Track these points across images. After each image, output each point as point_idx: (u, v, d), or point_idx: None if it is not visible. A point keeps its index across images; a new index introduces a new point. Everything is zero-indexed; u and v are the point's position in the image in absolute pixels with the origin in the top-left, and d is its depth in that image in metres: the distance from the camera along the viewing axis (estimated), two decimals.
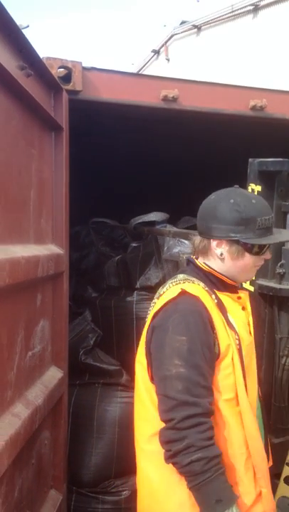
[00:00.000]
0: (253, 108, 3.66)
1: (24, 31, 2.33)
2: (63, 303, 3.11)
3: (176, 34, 19.41)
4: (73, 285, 5.27)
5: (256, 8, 15.57)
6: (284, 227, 3.02)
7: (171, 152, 4.94)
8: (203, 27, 17.89)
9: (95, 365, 4.16)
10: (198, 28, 18.03)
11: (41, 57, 3.06)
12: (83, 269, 5.30)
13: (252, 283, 3.12)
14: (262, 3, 15.32)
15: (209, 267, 2.35)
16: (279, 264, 3.01)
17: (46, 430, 2.97)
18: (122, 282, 4.44)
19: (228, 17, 16.56)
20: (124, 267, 4.38)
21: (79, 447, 4.00)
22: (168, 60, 20.18)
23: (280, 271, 3.00)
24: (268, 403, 3.08)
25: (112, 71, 3.30)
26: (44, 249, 2.72)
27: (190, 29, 18.47)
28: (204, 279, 2.33)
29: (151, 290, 4.23)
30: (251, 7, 15.54)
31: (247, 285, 3.15)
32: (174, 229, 4.22)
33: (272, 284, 3.03)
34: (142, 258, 4.28)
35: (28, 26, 2.34)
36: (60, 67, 3.10)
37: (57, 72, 3.09)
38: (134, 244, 4.44)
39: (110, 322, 4.34)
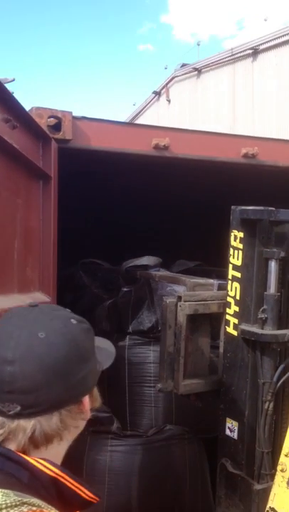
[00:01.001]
0: (245, 156, 3.69)
1: (12, 84, 2.38)
2: None
3: (177, 76, 19.75)
4: None
5: (255, 52, 15.86)
6: (266, 273, 3.02)
7: (163, 198, 4.98)
8: (203, 70, 18.21)
9: None
10: (198, 70, 18.36)
11: (31, 107, 3.13)
12: (78, 312, 5.27)
13: (235, 328, 3.10)
14: (261, 47, 15.61)
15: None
16: (261, 310, 3.00)
17: None
18: (113, 327, 4.40)
19: (228, 60, 16.87)
20: (116, 311, 4.35)
21: None
22: (169, 101, 20.50)
23: (262, 316, 2.98)
24: (252, 449, 3.05)
25: (103, 120, 3.35)
26: (28, 298, 2.69)
27: (190, 71, 18.80)
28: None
29: (144, 335, 4.20)
30: (250, 51, 15.83)
31: (230, 329, 3.13)
32: (167, 273, 4.21)
33: (254, 329, 3.00)
34: (134, 302, 4.25)
35: (13, 80, 2.38)
36: (50, 117, 3.14)
37: (47, 121, 3.13)
38: (125, 289, 4.39)
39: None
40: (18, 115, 2.49)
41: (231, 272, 3.09)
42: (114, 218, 5.96)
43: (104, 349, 1.70)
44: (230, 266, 3.10)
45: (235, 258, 3.06)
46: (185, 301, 3.17)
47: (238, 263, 3.06)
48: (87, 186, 4.51)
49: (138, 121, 20.42)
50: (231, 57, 16.72)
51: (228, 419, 3.16)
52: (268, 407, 2.96)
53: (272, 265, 2.98)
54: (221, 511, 3.25)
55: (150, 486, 3.95)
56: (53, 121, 3.16)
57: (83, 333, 1.49)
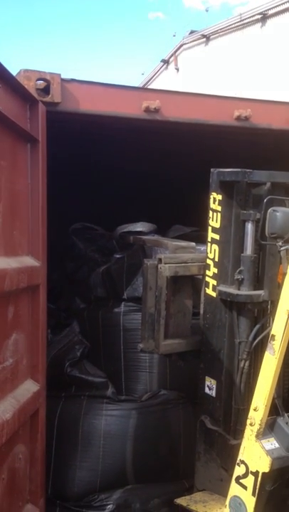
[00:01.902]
0: (238, 118, 3.63)
1: (13, 48, 2.33)
2: (40, 315, 3.09)
3: (185, 44, 19.45)
4: (67, 296, 5.26)
5: (264, 17, 15.54)
6: (243, 235, 3.06)
7: (154, 162, 4.94)
8: (212, 36, 17.91)
9: (80, 377, 4.14)
10: (206, 37, 18.06)
11: (20, 69, 3.08)
12: (78, 280, 5.28)
13: (214, 289, 3.17)
14: (270, 12, 15.29)
15: None
16: (238, 271, 3.06)
17: (20, 444, 2.94)
18: (108, 293, 4.41)
19: (237, 26, 16.56)
20: (110, 278, 4.35)
21: (64, 460, 3.98)
22: (177, 69, 20.23)
23: (239, 277, 3.05)
24: (229, 406, 3.16)
25: (92, 82, 3.29)
26: (15, 262, 2.69)
27: (199, 39, 18.50)
28: None
29: (139, 301, 4.19)
30: (259, 16, 15.52)
31: (209, 291, 3.20)
32: (154, 237, 4.19)
33: (231, 290, 3.08)
34: (128, 269, 4.24)
35: None
36: (38, 80, 3.10)
37: (35, 84, 3.08)
38: (117, 256, 4.40)
39: (98, 333, 4.31)
40: (1, 75, 2.45)
41: (210, 235, 3.16)
42: (104, 183, 5.95)
43: None
44: (210, 228, 3.16)
45: (214, 220, 3.12)
46: (165, 263, 3.23)
47: (217, 225, 3.11)
48: (76, 151, 4.47)
49: None
50: (240, 23, 16.41)
51: (207, 378, 3.28)
52: (244, 365, 3.05)
53: (249, 227, 3.03)
54: (199, 466, 3.40)
55: (144, 449, 4.01)
56: (42, 84, 3.11)
57: None
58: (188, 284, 3.43)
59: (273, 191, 3.00)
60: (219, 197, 3.09)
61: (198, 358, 3.37)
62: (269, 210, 2.76)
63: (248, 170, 3.00)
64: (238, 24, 16.67)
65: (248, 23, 16.29)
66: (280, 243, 2.73)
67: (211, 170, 3.12)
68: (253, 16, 15.87)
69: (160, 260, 3.26)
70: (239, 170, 3.01)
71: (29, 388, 2.98)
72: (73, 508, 3.87)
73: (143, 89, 3.39)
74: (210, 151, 4.20)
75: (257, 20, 15.90)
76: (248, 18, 16.07)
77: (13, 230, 2.76)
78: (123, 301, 4.25)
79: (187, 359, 3.52)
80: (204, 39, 18.25)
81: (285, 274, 2.68)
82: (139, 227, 4.22)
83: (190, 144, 4.19)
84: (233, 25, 16.89)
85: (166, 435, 3.92)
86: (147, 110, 3.38)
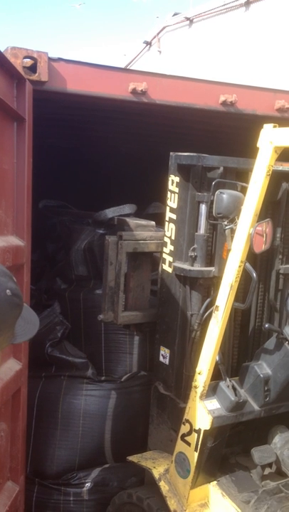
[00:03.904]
0: (224, 103, 3.64)
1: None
2: (24, 296, 3.08)
3: (168, 26, 19.27)
4: (48, 277, 5.26)
5: (248, 2, 15.46)
6: (198, 216, 3.25)
7: (139, 144, 4.94)
8: (195, 19, 17.77)
9: (60, 358, 4.16)
10: (190, 20, 17.91)
11: (7, 46, 3.05)
12: (59, 261, 5.27)
13: (170, 265, 3.38)
14: None
15: None
16: (191, 248, 3.25)
17: (2, 422, 2.96)
18: (90, 271, 4.40)
19: (220, 10, 16.45)
20: (92, 254, 4.33)
21: (43, 439, 4.01)
22: (160, 51, 20.05)
23: (192, 254, 3.25)
24: (180, 373, 3.38)
25: (80, 62, 3.27)
26: (0, 241, 2.69)
27: (182, 21, 18.33)
28: None
29: None
30: (243, 0, 15.44)
31: (166, 267, 3.42)
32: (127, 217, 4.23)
33: (185, 266, 3.28)
34: None
35: None
36: (25, 57, 3.06)
37: (22, 62, 3.05)
38: (100, 231, 4.38)
39: (79, 314, 4.33)
40: None
41: (168, 214, 3.37)
42: (88, 164, 5.94)
43: (31, 324, 1.75)
44: (168, 208, 3.37)
45: (172, 201, 3.33)
46: (125, 240, 3.43)
47: (174, 206, 3.33)
48: (62, 130, 4.45)
49: None
50: (224, 7, 16.30)
51: (161, 347, 3.53)
52: (195, 335, 3.29)
53: (203, 208, 3.23)
54: (152, 428, 3.69)
55: (123, 429, 4.07)
56: (29, 62, 3.08)
57: (9, 305, 1.55)
58: (147, 260, 3.65)
59: (226, 175, 3.17)
60: (177, 179, 3.29)
61: (155, 330, 3.59)
62: (216, 192, 2.92)
63: (203, 155, 3.18)
64: (221, 8, 16.56)
65: (231, 7, 16.19)
66: (225, 222, 2.92)
67: (171, 154, 3.30)
68: (237, 0, 15.76)
69: (120, 237, 3.45)
70: (195, 154, 3.20)
71: (12, 367, 3.00)
72: (52, 485, 3.91)
73: (130, 70, 3.40)
74: (195, 134, 4.22)
75: (240, 5, 15.82)
76: (232, 2, 15.97)
77: None
78: None
79: (144, 330, 3.74)
80: (188, 22, 18.09)
81: (229, 251, 2.90)
82: (127, 209, 4.22)
83: (175, 127, 4.20)
84: (217, 9, 16.77)
85: (144, 416, 3.96)
86: (134, 92, 3.38)
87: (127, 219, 3.68)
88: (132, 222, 3.62)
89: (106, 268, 3.49)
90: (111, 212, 4.45)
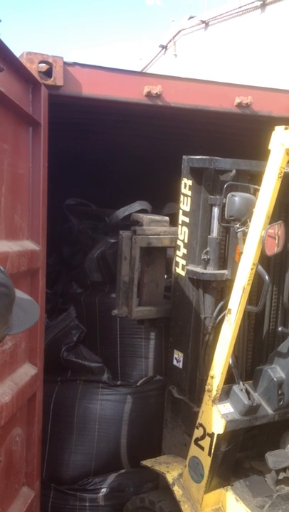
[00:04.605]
0: (239, 105, 3.62)
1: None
2: (39, 299, 3.09)
3: (184, 29, 19.26)
4: (64, 281, 5.27)
5: (264, 4, 15.41)
6: (211, 219, 3.24)
7: (152, 147, 4.93)
8: (210, 22, 17.74)
9: (76, 362, 4.15)
10: (206, 23, 17.89)
11: (22, 51, 3.06)
12: (74, 265, 5.28)
13: (183, 268, 3.37)
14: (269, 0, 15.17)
15: None
16: (204, 252, 3.25)
17: (18, 427, 2.96)
18: (104, 277, 4.40)
19: (236, 13, 16.41)
20: (105, 262, 4.34)
21: (59, 444, 3.99)
22: (175, 55, 20.05)
23: (205, 257, 3.24)
24: (194, 376, 3.36)
25: (95, 66, 3.27)
26: (16, 246, 2.69)
27: (198, 24, 18.32)
28: None
29: None
30: (259, 3, 15.38)
31: (179, 270, 3.41)
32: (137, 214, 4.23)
33: (198, 269, 3.27)
34: None
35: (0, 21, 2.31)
36: (40, 62, 3.07)
37: (38, 67, 3.06)
38: (112, 240, 4.39)
39: (94, 319, 4.32)
40: (5, 57, 2.43)
41: (181, 217, 3.36)
42: (104, 167, 5.94)
43: (29, 314, 1.75)
44: (180, 211, 3.36)
45: (185, 204, 3.33)
46: (139, 235, 3.44)
47: (187, 209, 3.32)
48: (77, 134, 4.45)
49: None
50: (239, 10, 16.26)
51: (175, 351, 3.52)
52: (208, 339, 3.26)
53: (216, 211, 3.21)
54: (166, 432, 3.67)
55: (139, 434, 4.04)
56: (44, 67, 3.09)
57: None
58: (161, 256, 3.65)
59: (238, 178, 3.16)
60: (189, 182, 3.28)
61: (169, 325, 3.58)
62: (228, 195, 2.92)
63: (215, 157, 3.17)
64: (237, 11, 16.52)
65: (247, 9, 16.15)
66: (237, 225, 2.93)
67: (183, 157, 3.29)
68: (253, 2, 15.71)
69: (134, 231, 3.45)
70: (207, 157, 3.19)
71: (27, 372, 2.99)
72: (68, 491, 3.89)
73: (145, 74, 3.41)
74: (209, 136, 4.20)
75: (256, 7, 15.77)
76: (248, 4, 15.92)
77: (14, 214, 2.76)
78: None
79: (159, 326, 3.74)
80: (203, 25, 18.07)
81: (241, 254, 2.89)
82: (137, 206, 4.21)
83: (189, 130, 4.18)
84: (232, 12, 16.74)
85: (161, 420, 3.94)
86: (149, 95, 3.37)
87: (141, 214, 3.67)
88: (146, 217, 3.62)
89: (120, 263, 3.50)
90: (122, 213, 4.44)
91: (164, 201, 4.79)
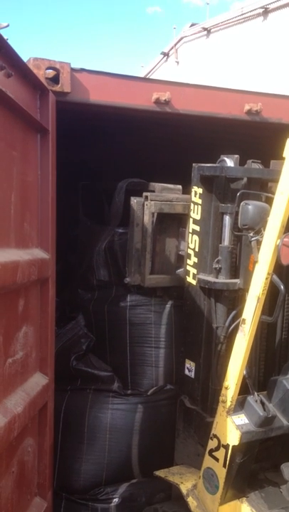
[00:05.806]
0: (249, 112, 3.60)
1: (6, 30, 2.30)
2: (49, 308, 3.06)
3: (186, 36, 19.33)
4: (71, 289, 5.21)
5: (266, 11, 15.45)
6: (222, 227, 3.24)
7: (161, 154, 4.91)
8: (212, 29, 17.80)
9: (86, 371, 4.12)
10: (207, 30, 17.95)
11: (29, 57, 3.04)
12: (81, 271, 5.21)
13: (194, 277, 3.35)
14: (271, 6, 15.21)
15: None
16: (216, 260, 3.24)
17: (29, 437, 2.92)
18: (111, 275, 4.27)
19: (238, 20, 16.46)
20: (112, 254, 4.18)
21: (69, 453, 3.96)
22: (177, 62, 20.11)
23: (217, 266, 3.24)
24: (206, 386, 3.35)
25: (102, 72, 3.25)
26: (26, 254, 2.66)
27: (199, 31, 18.38)
28: None
29: (145, 293, 4.12)
30: (261, 10, 15.42)
31: (190, 279, 3.38)
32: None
33: (210, 278, 3.27)
34: None
35: (7, 26, 2.29)
36: (48, 68, 3.06)
37: (45, 73, 3.04)
38: (120, 230, 4.12)
39: (103, 327, 4.27)
40: (14, 63, 2.41)
41: (191, 226, 3.35)
42: (112, 174, 5.90)
43: None
44: (191, 220, 3.35)
45: (195, 213, 3.31)
46: (151, 200, 3.44)
47: (198, 217, 3.30)
48: (85, 141, 4.42)
49: None
50: (241, 17, 16.31)
51: (186, 360, 3.52)
52: (220, 348, 3.27)
53: (227, 219, 3.22)
54: (179, 442, 3.68)
55: (150, 443, 4.00)
56: (51, 73, 3.07)
57: None
58: (173, 224, 3.63)
59: (249, 186, 3.15)
60: (200, 190, 3.27)
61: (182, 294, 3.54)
62: (241, 203, 2.90)
63: (226, 165, 3.16)
64: (239, 18, 16.56)
65: (249, 16, 16.19)
66: (251, 234, 2.89)
67: (193, 165, 3.27)
68: (255, 9, 15.76)
69: (146, 197, 3.45)
70: (218, 165, 3.19)
71: (38, 381, 2.96)
72: (79, 500, 3.86)
73: (153, 80, 3.40)
74: (218, 144, 4.17)
75: (258, 14, 15.81)
76: (249, 11, 15.97)
77: (23, 222, 2.73)
78: (129, 295, 4.19)
79: (172, 294, 3.73)
80: (205, 32, 18.13)
81: (255, 263, 2.86)
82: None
83: (199, 137, 4.16)
84: (235, 19, 16.78)
85: (172, 430, 3.90)
86: (157, 102, 3.36)
87: (152, 183, 3.65)
88: (158, 185, 3.62)
89: (132, 230, 3.48)
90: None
91: None
